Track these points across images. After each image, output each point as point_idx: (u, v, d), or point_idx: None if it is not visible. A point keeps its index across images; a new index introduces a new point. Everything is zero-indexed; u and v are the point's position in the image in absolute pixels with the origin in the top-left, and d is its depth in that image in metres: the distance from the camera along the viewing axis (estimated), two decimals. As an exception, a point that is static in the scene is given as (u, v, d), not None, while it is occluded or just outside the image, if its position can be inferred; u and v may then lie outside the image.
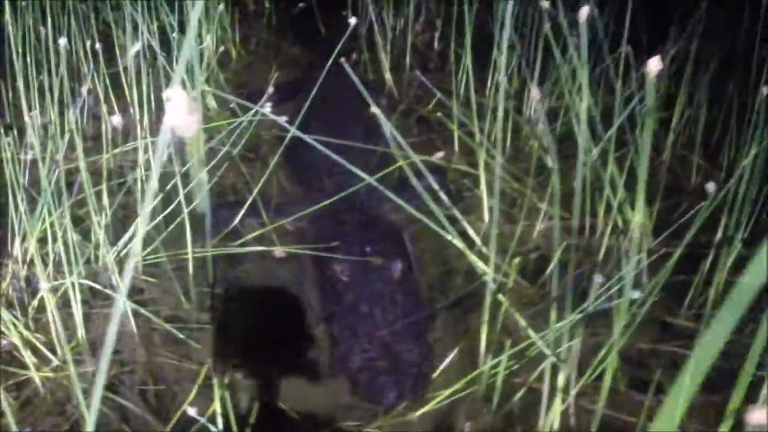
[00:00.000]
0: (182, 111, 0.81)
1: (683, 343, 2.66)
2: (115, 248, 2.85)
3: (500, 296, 2.37)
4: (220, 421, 2.16)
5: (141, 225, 2.83)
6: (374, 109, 2.37)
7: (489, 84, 3.74)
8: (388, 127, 2.58)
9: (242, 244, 2.96)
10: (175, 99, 0.80)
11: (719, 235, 2.91)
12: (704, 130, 3.49)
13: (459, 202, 3.17)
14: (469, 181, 3.34)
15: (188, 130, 0.81)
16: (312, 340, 2.65)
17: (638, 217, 2.22)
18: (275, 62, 4.31)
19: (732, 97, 3.55)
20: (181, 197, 2.80)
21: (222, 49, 3.81)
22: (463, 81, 3.71)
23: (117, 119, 2.11)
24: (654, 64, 1.40)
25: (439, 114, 3.43)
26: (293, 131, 2.68)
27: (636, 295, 1.90)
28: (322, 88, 3.17)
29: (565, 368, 2.19)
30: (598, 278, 1.95)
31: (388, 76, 3.96)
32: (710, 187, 2.12)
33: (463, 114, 3.48)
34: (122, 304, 1.29)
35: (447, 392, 2.39)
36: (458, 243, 2.60)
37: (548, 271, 2.83)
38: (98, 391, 1.03)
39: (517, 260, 2.56)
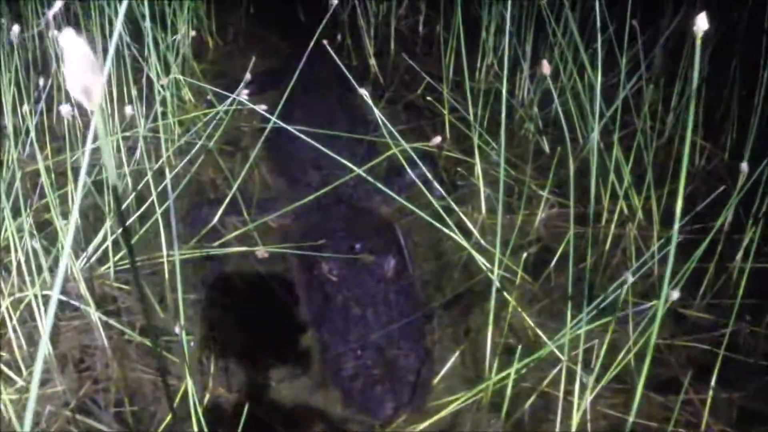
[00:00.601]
0: (82, 68, 0.52)
1: (700, 336, 2.39)
2: (84, 254, 2.54)
3: (506, 295, 2.10)
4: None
5: (110, 229, 2.58)
6: (362, 91, 2.09)
7: (478, 66, 3.44)
8: (376, 113, 2.30)
9: (222, 245, 2.65)
10: (71, 49, 0.51)
11: (729, 219, 2.65)
12: (705, 110, 3.21)
13: (453, 192, 2.88)
14: (462, 169, 3.04)
15: (89, 94, 0.52)
16: (300, 347, 2.36)
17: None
18: (254, 51, 3.98)
19: (735, 74, 3.28)
20: (154, 197, 2.50)
21: (194, 35, 3.46)
22: (452, 65, 3.42)
23: (67, 109, 1.80)
24: (702, 22, 1.11)
25: (429, 98, 3.14)
26: (273, 121, 2.39)
27: (675, 295, 1.62)
28: (304, 75, 2.87)
29: (584, 373, 1.92)
30: (628, 277, 1.67)
31: (372, 61, 3.66)
32: (744, 167, 1.84)
33: (453, 99, 3.19)
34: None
35: (449, 401, 2.11)
36: (457, 237, 2.33)
37: (552, 264, 2.56)
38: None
39: (524, 255, 2.28)
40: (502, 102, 3.20)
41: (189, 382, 1.83)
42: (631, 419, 1.71)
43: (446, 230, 2.33)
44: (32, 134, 2.27)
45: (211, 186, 2.95)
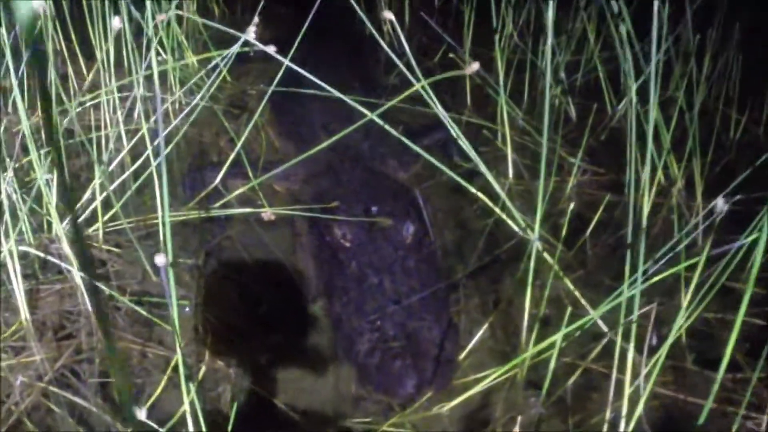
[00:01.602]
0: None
1: (754, 311, 2.03)
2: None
3: (547, 256, 1.73)
4: (190, 422, 1.50)
5: (99, 185, 2.21)
6: (387, 15, 1.73)
7: (498, 36, 3.07)
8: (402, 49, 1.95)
9: (225, 207, 2.27)
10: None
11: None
12: (740, 82, 2.85)
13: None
14: (485, 136, 2.67)
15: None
16: (309, 320, 1.98)
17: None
18: (261, 20, 3.56)
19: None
20: (149, 153, 2.13)
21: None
22: (470, 35, 3.07)
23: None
24: None
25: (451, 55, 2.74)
26: (286, 64, 2.03)
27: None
28: (316, 42, 2.53)
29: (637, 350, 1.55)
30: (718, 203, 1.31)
31: (387, 28, 3.29)
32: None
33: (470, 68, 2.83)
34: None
35: (479, 379, 1.74)
36: (485, 199, 1.96)
37: (587, 232, 2.19)
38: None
39: (564, 221, 1.91)
40: (526, 69, 2.89)
41: (179, 353, 1.45)
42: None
43: (473, 191, 1.96)
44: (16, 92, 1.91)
45: (214, 148, 2.58)
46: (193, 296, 2.01)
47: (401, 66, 1.93)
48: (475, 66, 1.62)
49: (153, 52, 2.09)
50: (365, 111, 1.93)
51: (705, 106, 2.80)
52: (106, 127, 2.42)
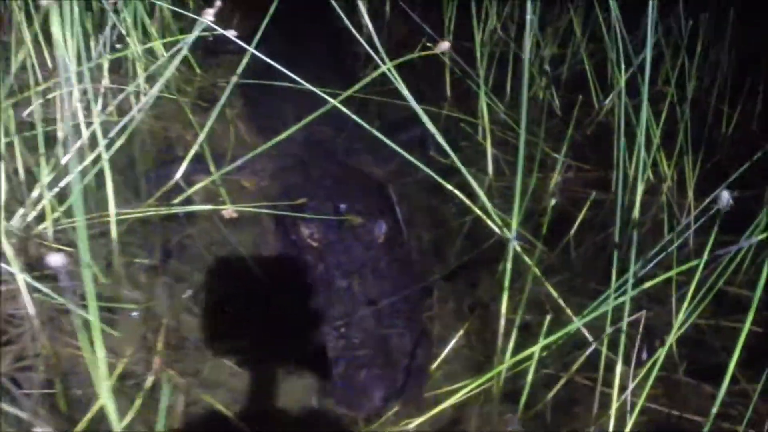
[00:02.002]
0: None
1: (746, 317, 1.84)
2: (21, 210, 1.97)
3: (526, 258, 1.54)
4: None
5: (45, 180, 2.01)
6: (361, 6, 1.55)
7: (482, 29, 2.88)
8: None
9: (187, 204, 2.07)
10: None
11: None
12: (732, 77, 2.67)
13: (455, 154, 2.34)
14: (465, 131, 2.48)
15: None
16: (270, 325, 1.79)
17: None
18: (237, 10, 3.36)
19: (762, 39, 2.74)
20: (102, 148, 1.94)
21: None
22: (452, 28, 2.88)
23: None
24: None
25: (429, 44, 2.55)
26: (250, 51, 1.85)
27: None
28: (293, 33, 2.35)
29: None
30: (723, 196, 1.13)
31: (366, 20, 3.09)
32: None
33: (455, 60, 2.65)
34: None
35: (452, 391, 1.55)
36: (462, 197, 1.78)
37: (571, 232, 2.00)
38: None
39: (545, 219, 1.73)
40: (509, 62, 2.70)
41: (102, 359, 1.26)
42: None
43: (449, 188, 1.78)
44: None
45: (182, 143, 2.38)
46: (145, 299, 1.81)
47: (368, 48, 1.74)
48: (445, 45, 1.43)
49: (106, 36, 1.89)
50: (331, 100, 1.74)
51: (696, 101, 2.62)
52: (66, 119, 2.22)
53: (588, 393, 1.56)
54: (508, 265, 1.50)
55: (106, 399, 1.28)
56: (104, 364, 1.22)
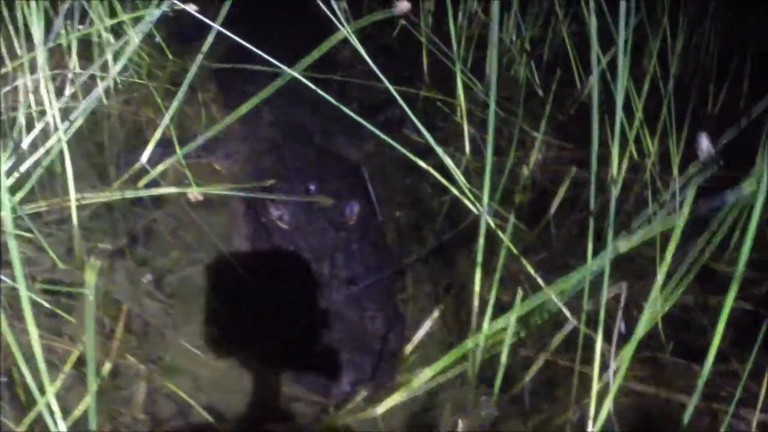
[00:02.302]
0: None
1: (738, 294, 1.73)
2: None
3: (500, 233, 1.43)
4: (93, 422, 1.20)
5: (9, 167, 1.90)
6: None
7: (461, 10, 2.75)
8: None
9: (151, 188, 1.96)
10: None
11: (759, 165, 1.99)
12: (718, 57, 2.57)
13: (432, 134, 2.23)
14: (443, 111, 2.37)
15: None
16: (235, 310, 1.68)
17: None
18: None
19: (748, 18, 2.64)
20: (61, 132, 1.82)
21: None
22: (431, 12, 2.77)
23: None
24: None
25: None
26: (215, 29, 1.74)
27: None
28: (269, 16, 2.24)
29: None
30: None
31: (343, 3, 2.96)
32: None
33: (433, 42, 2.53)
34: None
35: (425, 375, 1.44)
36: (438, 176, 1.67)
37: (551, 210, 1.89)
38: None
39: (521, 195, 1.62)
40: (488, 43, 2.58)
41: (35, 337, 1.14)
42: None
43: (422, 165, 1.67)
44: None
45: (151, 127, 2.25)
46: (109, 285, 1.70)
47: (335, 21, 1.62)
48: (405, 6, 1.31)
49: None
50: (287, 70, 1.64)
51: (681, 79, 2.52)
52: (32, 105, 2.12)
53: (569, 375, 1.45)
54: (481, 240, 1.38)
55: (48, 390, 1.17)
56: (37, 343, 1.12)
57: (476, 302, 1.43)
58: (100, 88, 2.01)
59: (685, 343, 1.61)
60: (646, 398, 1.50)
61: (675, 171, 1.95)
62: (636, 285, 1.70)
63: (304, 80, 1.60)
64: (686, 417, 1.36)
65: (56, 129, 1.97)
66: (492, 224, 1.46)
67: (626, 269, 1.76)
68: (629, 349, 1.28)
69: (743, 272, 1.27)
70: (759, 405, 1.47)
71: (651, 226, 1.28)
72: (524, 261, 1.51)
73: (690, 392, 1.50)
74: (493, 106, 1.38)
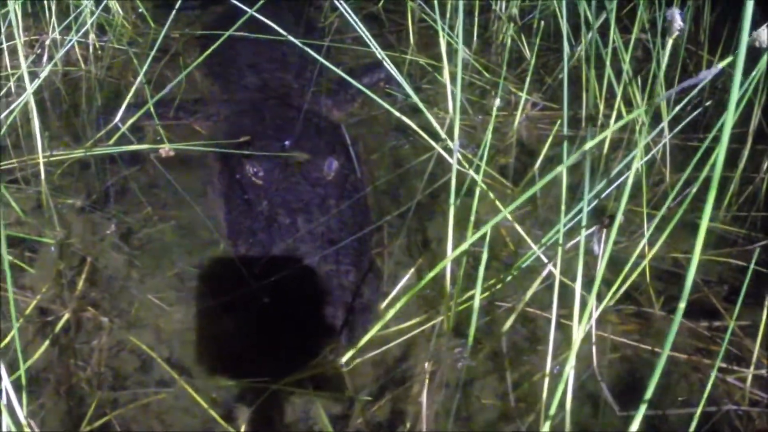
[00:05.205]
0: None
1: (728, 251, 1.59)
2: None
3: (475, 177, 1.28)
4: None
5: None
6: None
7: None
8: None
9: (122, 145, 1.82)
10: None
11: (754, 125, 1.84)
12: (712, 20, 2.40)
13: (418, 95, 2.09)
14: (429, 74, 2.22)
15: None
16: (206, 264, 1.53)
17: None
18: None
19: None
20: (30, 93, 1.69)
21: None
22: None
23: None
24: None
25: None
26: None
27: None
28: None
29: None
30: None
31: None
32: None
33: (421, 11, 2.39)
34: None
35: (401, 330, 1.29)
36: (421, 132, 1.52)
37: (536, 167, 1.74)
38: None
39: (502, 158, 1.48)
40: (475, 12, 2.43)
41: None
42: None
43: (408, 123, 1.53)
44: None
45: (133, 90, 2.11)
46: (76, 239, 1.56)
47: None
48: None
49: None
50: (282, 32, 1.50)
51: (674, 47, 2.35)
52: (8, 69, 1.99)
53: (550, 329, 1.30)
54: (453, 180, 1.24)
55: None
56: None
57: (449, 256, 1.28)
58: (77, 53, 1.90)
59: (675, 298, 1.46)
60: (633, 353, 1.35)
61: (666, 133, 1.80)
62: (622, 240, 1.56)
63: (297, 42, 1.47)
64: (656, 370, 1.21)
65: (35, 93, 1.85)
66: (460, 157, 1.31)
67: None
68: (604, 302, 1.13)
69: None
70: (753, 360, 1.33)
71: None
72: (500, 206, 1.36)
73: (678, 347, 1.36)
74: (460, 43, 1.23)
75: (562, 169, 1.09)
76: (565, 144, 1.15)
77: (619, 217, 0.97)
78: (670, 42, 0.97)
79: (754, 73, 1.27)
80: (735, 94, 0.72)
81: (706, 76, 0.83)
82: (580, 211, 1.25)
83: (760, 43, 0.80)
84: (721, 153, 0.76)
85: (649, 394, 0.92)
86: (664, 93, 1.09)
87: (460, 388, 1.24)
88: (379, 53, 1.58)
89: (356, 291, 1.41)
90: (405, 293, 1.44)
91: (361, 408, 1.22)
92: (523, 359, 1.29)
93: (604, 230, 1.04)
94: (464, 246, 1.20)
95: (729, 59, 0.99)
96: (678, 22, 0.90)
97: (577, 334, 1.13)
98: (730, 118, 0.75)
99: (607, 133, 1.67)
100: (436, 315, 1.36)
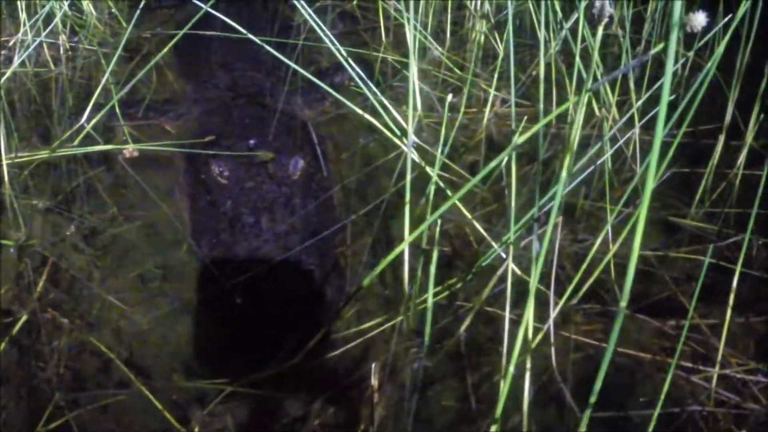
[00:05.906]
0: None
1: (699, 248, 1.56)
2: None
3: (428, 168, 1.25)
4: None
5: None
6: None
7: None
8: None
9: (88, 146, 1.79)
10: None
11: (728, 120, 1.82)
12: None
13: (388, 92, 2.06)
14: (400, 72, 2.19)
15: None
16: (168, 265, 1.51)
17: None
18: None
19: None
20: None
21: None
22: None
23: None
24: None
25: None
26: None
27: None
28: None
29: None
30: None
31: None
32: None
33: (395, 9, 2.36)
34: None
35: (362, 330, 1.26)
36: (386, 132, 1.49)
37: (501, 164, 1.71)
38: None
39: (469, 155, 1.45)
40: (449, 10, 2.40)
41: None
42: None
43: (372, 122, 1.50)
44: None
45: (102, 91, 2.08)
46: (27, 237, 1.53)
47: None
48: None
49: None
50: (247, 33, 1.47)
51: (650, 43, 2.33)
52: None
53: (513, 327, 1.27)
54: (408, 179, 1.21)
55: None
56: None
57: (406, 254, 1.25)
58: (46, 54, 1.87)
59: (642, 296, 1.44)
60: (597, 353, 1.33)
61: (637, 128, 1.77)
62: (587, 237, 1.53)
63: (263, 44, 1.44)
64: (603, 363, 1.18)
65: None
66: (415, 157, 1.28)
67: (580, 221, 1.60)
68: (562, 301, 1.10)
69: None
70: (719, 359, 1.30)
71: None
72: (461, 207, 1.33)
73: (644, 347, 1.34)
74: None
75: (504, 158, 1.06)
76: (516, 137, 1.11)
77: (557, 215, 0.95)
78: (600, 30, 0.94)
79: (709, 64, 1.23)
80: (668, 79, 0.69)
81: (635, 64, 0.80)
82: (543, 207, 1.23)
83: (692, 28, 0.78)
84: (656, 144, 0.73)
85: (595, 393, 0.90)
86: (591, 83, 1.06)
87: (417, 389, 1.21)
88: (339, 51, 1.55)
89: (318, 291, 1.38)
90: (367, 293, 1.42)
91: (318, 409, 1.20)
92: (483, 360, 1.26)
93: (543, 227, 1.01)
94: (410, 238, 1.17)
95: (661, 46, 0.97)
96: (607, 9, 0.87)
97: (531, 333, 1.11)
98: (663, 107, 0.72)
99: (539, 127, 1.64)
100: (396, 315, 1.33)
